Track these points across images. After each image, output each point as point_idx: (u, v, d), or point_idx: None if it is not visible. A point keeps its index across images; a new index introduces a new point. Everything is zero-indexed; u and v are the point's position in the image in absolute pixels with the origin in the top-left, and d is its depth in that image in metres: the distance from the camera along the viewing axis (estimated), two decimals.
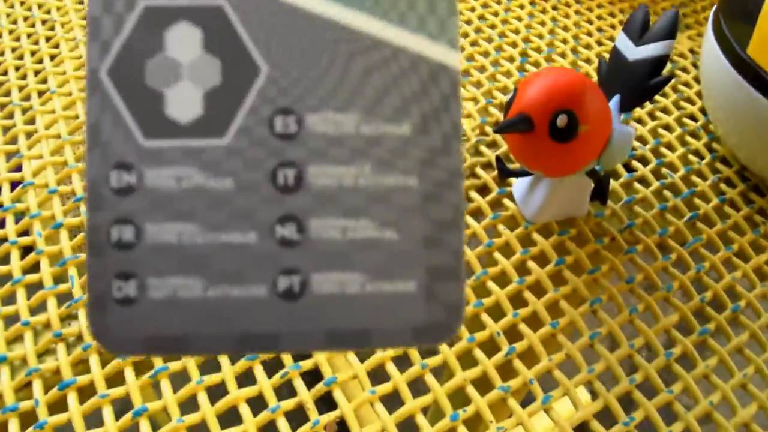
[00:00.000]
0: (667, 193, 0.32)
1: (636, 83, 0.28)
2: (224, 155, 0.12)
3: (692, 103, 0.37)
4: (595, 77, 0.37)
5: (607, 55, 0.39)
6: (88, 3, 0.12)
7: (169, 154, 0.12)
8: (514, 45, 0.39)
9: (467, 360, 0.25)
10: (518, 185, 0.30)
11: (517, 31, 0.40)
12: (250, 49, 0.12)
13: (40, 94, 0.35)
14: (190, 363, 0.24)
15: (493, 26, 0.41)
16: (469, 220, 0.30)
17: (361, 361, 0.25)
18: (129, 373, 0.24)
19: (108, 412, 0.23)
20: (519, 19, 0.41)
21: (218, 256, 0.12)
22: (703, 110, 0.37)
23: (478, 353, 0.25)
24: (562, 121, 0.25)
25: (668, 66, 0.39)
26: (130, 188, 0.12)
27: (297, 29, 0.12)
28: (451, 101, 0.13)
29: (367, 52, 0.13)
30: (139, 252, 0.12)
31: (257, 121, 0.12)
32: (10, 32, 0.38)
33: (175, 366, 0.24)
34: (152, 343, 0.12)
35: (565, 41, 0.40)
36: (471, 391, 0.24)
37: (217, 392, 0.24)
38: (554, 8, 0.43)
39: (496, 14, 0.42)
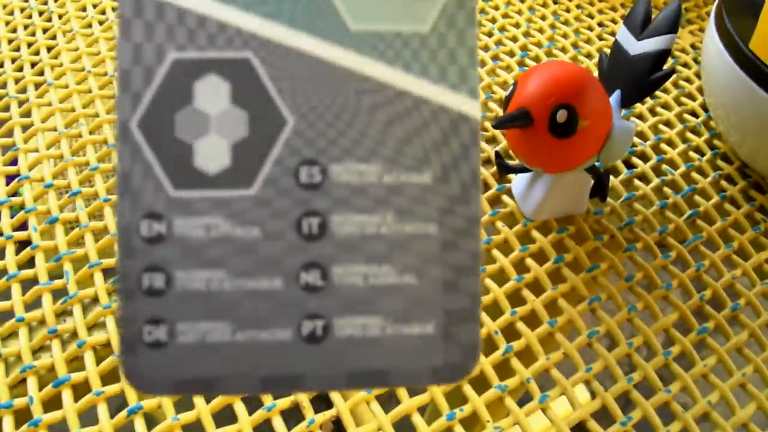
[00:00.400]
0: (667, 190, 0.32)
1: (637, 78, 0.28)
2: (251, 205, 0.13)
3: (693, 99, 0.37)
4: (595, 72, 0.37)
5: (608, 50, 0.39)
6: (118, 56, 0.13)
7: (197, 204, 0.13)
8: (514, 39, 0.39)
9: None
10: (517, 182, 0.30)
11: (517, 25, 0.40)
12: (276, 102, 0.13)
13: (37, 86, 0.35)
14: None
15: (493, 20, 0.40)
16: None
17: None
18: None
19: (103, 410, 0.23)
20: (519, 12, 0.41)
21: (245, 301, 0.13)
22: (704, 106, 0.36)
23: None
24: (561, 116, 0.25)
25: (669, 61, 0.39)
26: (160, 237, 0.13)
27: (322, 81, 0.13)
28: (470, 150, 0.13)
29: (389, 103, 0.13)
30: (169, 298, 0.12)
31: (283, 171, 0.13)
32: (7, 23, 0.38)
33: None
34: (181, 384, 0.13)
35: (565, 35, 0.40)
36: (468, 390, 0.24)
37: None
38: (555, 2, 0.42)
39: (496, 8, 0.41)
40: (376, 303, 0.13)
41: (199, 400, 0.23)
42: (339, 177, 0.13)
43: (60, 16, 0.39)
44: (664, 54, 0.27)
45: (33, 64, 0.36)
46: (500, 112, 0.34)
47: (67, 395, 0.24)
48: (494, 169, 0.31)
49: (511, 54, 0.38)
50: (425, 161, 0.13)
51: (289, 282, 0.13)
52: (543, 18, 0.41)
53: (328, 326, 0.13)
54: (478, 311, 0.13)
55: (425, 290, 0.13)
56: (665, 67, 0.28)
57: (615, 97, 0.28)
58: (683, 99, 0.37)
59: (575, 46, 0.39)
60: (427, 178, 0.13)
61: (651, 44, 0.27)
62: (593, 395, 0.25)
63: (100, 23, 0.38)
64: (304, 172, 0.13)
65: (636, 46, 0.28)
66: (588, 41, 0.40)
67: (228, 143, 0.13)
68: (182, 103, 0.13)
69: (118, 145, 0.12)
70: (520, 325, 0.26)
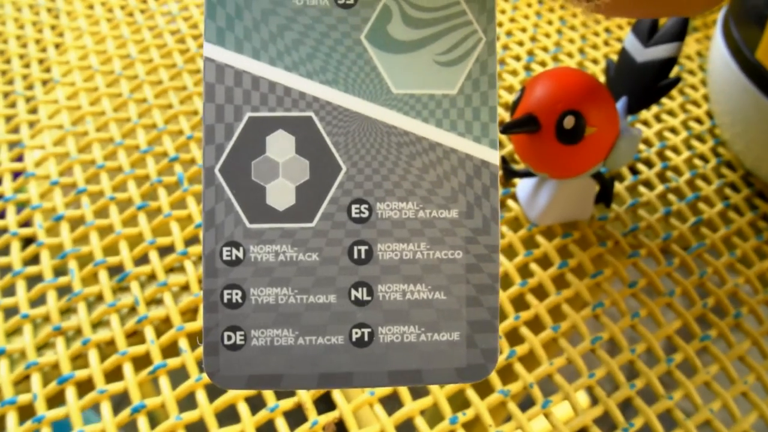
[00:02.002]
0: (671, 197, 0.32)
1: (644, 85, 0.28)
2: (312, 235, 0.16)
3: (698, 106, 0.37)
4: (602, 78, 0.37)
5: (614, 56, 0.39)
6: (203, 114, 0.15)
7: (268, 234, 0.15)
8: (520, 44, 0.39)
9: None
10: (523, 186, 0.30)
11: (524, 30, 0.40)
12: (333, 152, 0.16)
13: (44, 83, 0.35)
14: (190, 361, 0.24)
15: (500, 24, 0.40)
16: None
17: None
18: (128, 369, 0.24)
19: (106, 408, 0.23)
20: (526, 17, 0.41)
21: (306, 313, 0.15)
22: (709, 113, 0.36)
23: None
24: (569, 122, 0.25)
25: (675, 68, 0.39)
26: (238, 261, 0.15)
27: (369, 135, 0.16)
28: (490, 191, 0.16)
29: (424, 153, 0.16)
30: (245, 310, 0.15)
31: (338, 208, 0.16)
32: (15, 20, 0.38)
33: (173, 363, 0.24)
34: (253, 380, 0.15)
35: (572, 41, 0.40)
36: (470, 394, 0.24)
37: (215, 390, 0.24)
38: (562, 7, 0.42)
39: (503, 12, 0.41)
40: (412, 315, 0.16)
41: (201, 400, 0.24)
42: (383, 213, 0.16)
43: (68, 14, 0.39)
44: (670, 62, 0.27)
45: (40, 61, 0.36)
46: (507, 116, 0.34)
47: (70, 392, 0.24)
48: (500, 173, 0.31)
49: (518, 58, 0.38)
50: (453, 200, 0.16)
51: (341, 297, 0.16)
52: (549, 23, 0.41)
53: (373, 333, 0.16)
54: (497, 322, 0.16)
55: (452, 305, 0.16)
56: (672, 74, 0.28)
57: (621, 104, 0.28)
58: (688, 106, 0.37)
59: (581, 51, 0.39)
60: (455, 213, 0.16)
61: (658, 52, 0.27)
62: (596, 401, 0.25)
63: (108, 21, 0.38)
64: (354, 209, 0.16)
65: (643, 53, 0.28)
66: (594, 47, 0.40)
67: (293, 185, 0.15)
68: (256, 153, 0.15)
69: (204, 187, 0.15)
70: (524, 330, 0.26)
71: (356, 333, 0.16)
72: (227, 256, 0.15)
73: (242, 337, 0.15)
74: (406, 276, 0.16)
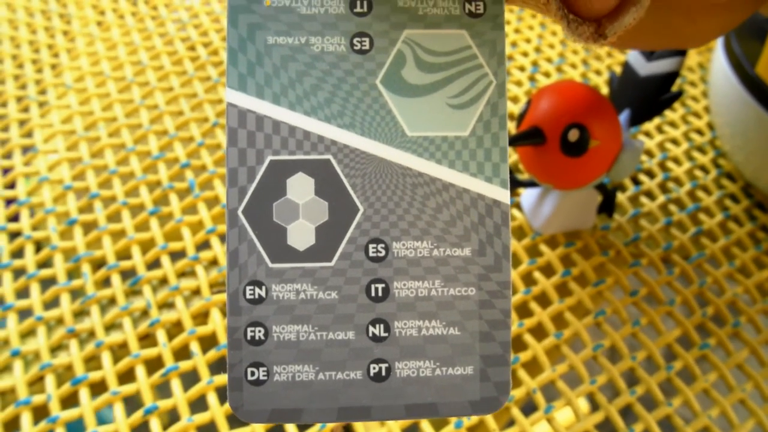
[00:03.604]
0: (672, 207, 0.32)
1: (646, 98, 0.28)
2: (331, 274, 0.16)
3: (699, 117, 0.38)
4: (605, 89, 0.37)
5: (617, 67, 0.39)
6: (227, 158, 0.16)
7: (290, 273, 0.16)
8: (525, 54, 0.40)
9: None
10: (527, 196, 0.31)
11: (528, 41, 0.41)
12: (350, 193, 0.16)
13: (57, 88, 0.35)
14: (201, 364, 0.25)
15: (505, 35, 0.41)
16: None
17: None
18: (140, 371, 0.25)
19: (119, 409, 0.24)
20: (531, 28, 0.42)
21: (326, 349, 0.16)
22: (710, 125, 0.37)
23: None
24: (573, 135, 0.25)
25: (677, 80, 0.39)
26: (261, 299, 0.16)
27: (385, 176, 0.16)
28: (501, 229, 0.16)
29: (438, 193, 0.16)
30: (267, 347, 0.16)
31: (355, 248, 0.16)
32: (28, 25, 0.39)
33: (185, 365, 0.25)
34: (275, 414, 0.16)
35: (575, 52, 0.40)
36: None
37: (226, 393, 0.25)
38: None
39: (508, 22, 0.42)
40: (427, 350, 0.16)
41: (213, 402, 0.24)
42: (399, 252, 0.16)
43: (80, 19, 0.39)
44: (673, 76, 0.28)
45: (53, 66, 0.37)
46: (512, 126, 0.35)
47: (84, 393, 0.24)
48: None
49: (522, 69, 0.39)
50: (466, 238, 0.16)
51: (359, 334, 0.16)
52: (554, 33, 0.42)
53: (390, 368, 0.16)
54: (509, 356, 0.16)
55: (466, 340, 0.16)
56: (674, 87, 0.28)
57: (624, 116, 0.29)
58: (690, 117, 0.37)
59: (585, 62, 0.40)
60: (468, 251, 0.16)
61: (660, 66, 0.28)
62: (597, 407, 0.25)
63: (119, 27, 0.39)
64: (371, 248, 0.16)
65: (646, 67, 0.28)
66: (598, 57, 0.40)
67: (313, 226, 0.16)
68: (278, 194, 0.16)
69: (227, 228, 0.16)
70: (528, 337, 0.27)
71: (374, 368, 0.16)
72: (250, 294, 0.16)
73: (265, 373, 0.16)
74: (422, 312, 0.16)
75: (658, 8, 0.17)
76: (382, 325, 0.16)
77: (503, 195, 0.16)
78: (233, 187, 0.16)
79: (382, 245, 0.16)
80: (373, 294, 0.16)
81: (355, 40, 0.16)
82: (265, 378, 0.16)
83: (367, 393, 0.16)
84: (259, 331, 0.16)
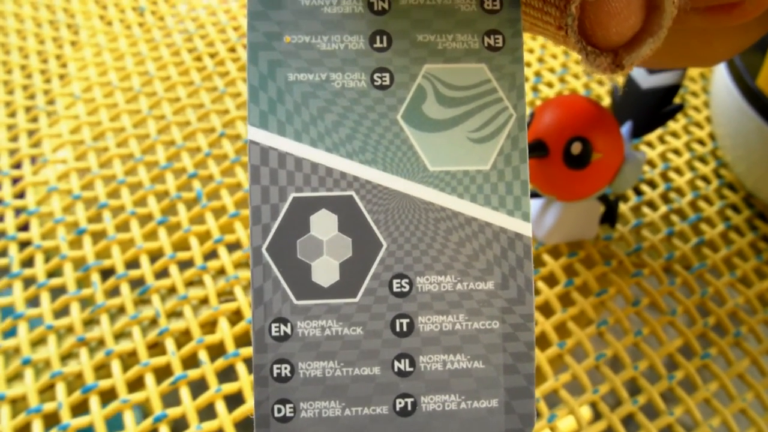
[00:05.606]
0: (674, 217, 0.33)
1: (648, 110, 0.29)
2: (355, 310, 0.16)
3: (701, 127, 0.38)
4: (607, 99, 0.38)
5: (619, 79, 0.40)
6: (250, 196, 0.16)
7: (315, 310, 0.16)
8: (528, 64, 0.40)
9: None
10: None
11: (531, 51, 0.41)
12: (374, 229, 0.16)
13: (64, 98, 0.36)
14: (209, 373, 0.25)
15: None
16: None
17: None
18: (150, 380, 0.25)
19: (129, 417, 0.24)
20: (534, 38, 0.42)
21: (352, 385, 0.16)
22: (711, 135, 0.37)
23: None
24: (576, 148, 0.26)
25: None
26: (286, 336, 0.16)
27: (408, 212, 0.16)
28: (524, 262, 0.16)
29: (460, 228, 0.16)
30: (294, 384, 0.16)
31: (380, 283, 0.16)
32: (36, 35, 0.39)
33: (193, 374, 0.25)
34: None
35: (578, 62, 0.41)
36: None
37: (234, 401, 0.25)
38: None
39: None
40: (452, 384, 0.16)
41: (221, 410, 0.24)
42: (423, 287, 0.16)
43: (88, 29, 0.40)
44: (674, 88, 0.28)
45: (61, 77, 0.37)
46: None
47: (94, 401, 0.25)
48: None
49: (525, 79, 0.39)
50: (489, 272, 0.16)
51: (385, 369, 0.16)
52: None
53: (416, 403, 0.16)
54: (533, 388, 0.16)
55: (490, 373, 0.16)
56: (676, 97, 0.29)
57: (626, 128, 0.29)
58: (691, 128, 0.38)
59: (588, 73, 0.40)
60: (491, 285, 0.16)
61: (662, 78, 0.28)
62: (599, 416, 0.26)
63: (126, 37, 0.39)
64: (396, 284, 0.16)
65: (647, 80, 0.29)
66: None
67: (337, 262, 0.16)
68: (301, 232, 0.16)
69: (252, 266, 0.16)
70: None
71: (400, 403, 0.16)
72: (276, 332, 0.16)
73: (291, 410, 0.16)
74: (446, 347, 0.16)
75: (675, 32, 0.17)
76: (407, 360, 0.16)
77: (525, 228, 0.16)
78: (257, 224, 0.16)
79: (406, 280, 0.16)
80: (398, 329, 0.16)
81: (375, 76, 0.16)
82: (292, 415, 0.16)
83: (394, 428, 0.16)
84: (285, 368, 0.16)
